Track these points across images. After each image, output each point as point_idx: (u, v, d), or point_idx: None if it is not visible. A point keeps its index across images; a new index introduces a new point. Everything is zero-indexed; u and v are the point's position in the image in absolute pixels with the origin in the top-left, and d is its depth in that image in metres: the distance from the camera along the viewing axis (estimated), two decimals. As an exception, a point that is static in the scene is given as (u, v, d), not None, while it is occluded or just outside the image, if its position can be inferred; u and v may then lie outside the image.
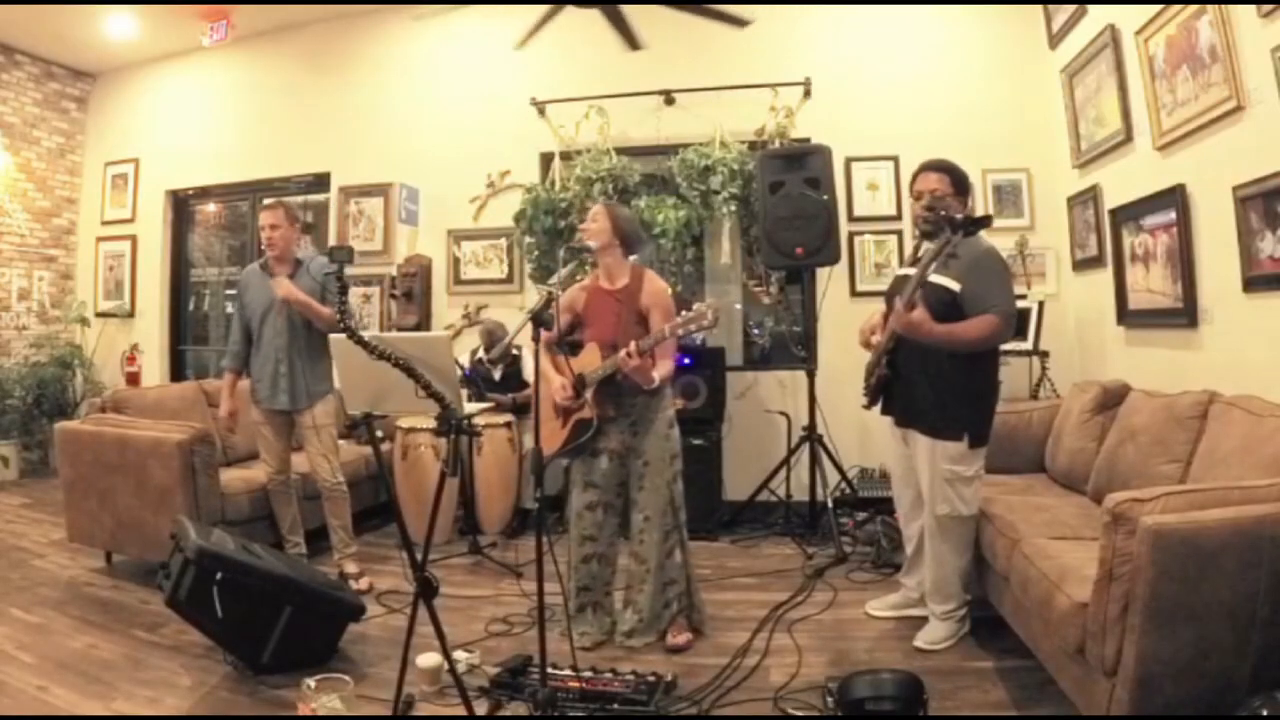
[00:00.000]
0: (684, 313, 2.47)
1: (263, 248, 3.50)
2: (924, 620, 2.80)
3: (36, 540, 4.11)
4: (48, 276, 6.16)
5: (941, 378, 2.62)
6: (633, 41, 3.89)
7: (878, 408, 2.98)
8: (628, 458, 2.79)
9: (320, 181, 5.58)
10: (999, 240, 2.86)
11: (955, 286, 2.54)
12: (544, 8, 3.79)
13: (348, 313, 2.26)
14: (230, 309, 6.42)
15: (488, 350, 4.50)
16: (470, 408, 3.60)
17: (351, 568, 3.51)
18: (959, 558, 2.73)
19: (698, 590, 2.92)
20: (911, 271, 2.70)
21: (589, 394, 2.71)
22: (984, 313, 2.50)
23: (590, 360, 2.76)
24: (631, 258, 2.86)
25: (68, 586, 3.44)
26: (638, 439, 2.76)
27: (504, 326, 4.49)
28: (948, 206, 2.63)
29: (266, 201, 3.72)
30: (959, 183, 2.72)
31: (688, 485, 2.91)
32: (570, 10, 3.76)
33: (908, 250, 4.51)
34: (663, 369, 2.69)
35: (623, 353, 2.56)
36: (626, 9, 3.73)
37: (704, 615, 2.90)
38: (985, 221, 2.44)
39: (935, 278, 2.53)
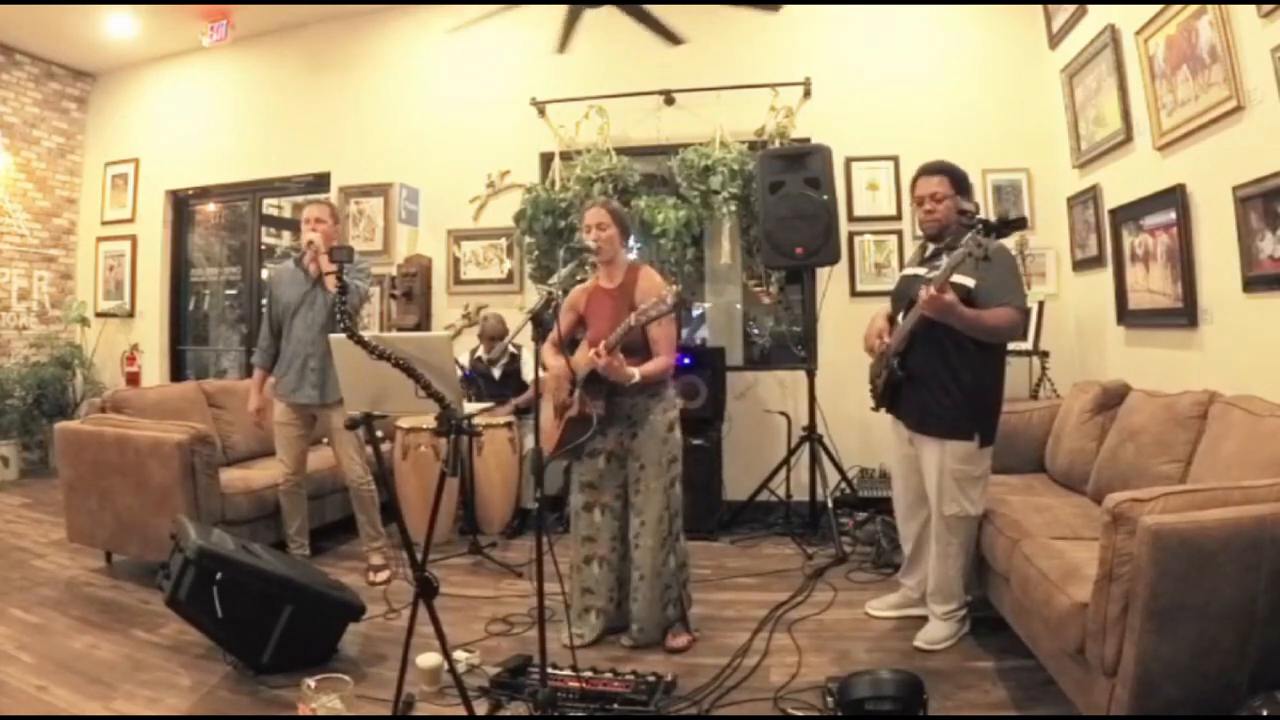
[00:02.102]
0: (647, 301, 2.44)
1: (303, 242, 3.47)
2: (924, 620, 2.80)
3: (36, 540, 4.11)
4: (48, 276, 6.16)
5: (953, 378, 2.62)
6: (671, 37, 3.86)
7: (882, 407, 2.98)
8: (626, 460, 2.77)
9: (320, 181, 5.57)
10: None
11: (970, 283, 2.54)
12: (565, 8, 3.78)
13: (348, 312, 2.26)
14: (229, 307, 6.44)
15: (492, 339, 4.48)
16: (470, 408, 3.60)
17: (377, 559, 3.55)
18: (962, 558, 2.73)
19: (686, 595, 2.85)
20: (920, 271, 2.70)
21: (576, 392, 2.69)
22: (1000, 305, 2.53)
23: (582, 358, 2.76)
24: (631, 254, 2.85)
25: (68, 586, 3.44)
26: (635, 441, 2.74)
27: (504, 322, 4.51)
28: (956, 209, 2.67)
29: (314, 198, 3.77)
30: (959, 182, 2.72)
31: (687, 486, 2.91)
32: (569, 10, 3.76)
33: (908, 250, 4.52)
34: (650, 366, 2.62)
35: (591, 351, 2.57)
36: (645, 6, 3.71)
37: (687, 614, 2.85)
38: (1020, 223, 2.40)
39: (953, 279, 2.52)
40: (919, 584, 2.93)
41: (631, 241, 2.92)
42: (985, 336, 2.55)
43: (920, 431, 2.75)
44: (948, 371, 2.62)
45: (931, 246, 2.79)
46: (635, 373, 2.57)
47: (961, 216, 2.59)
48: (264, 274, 3.61)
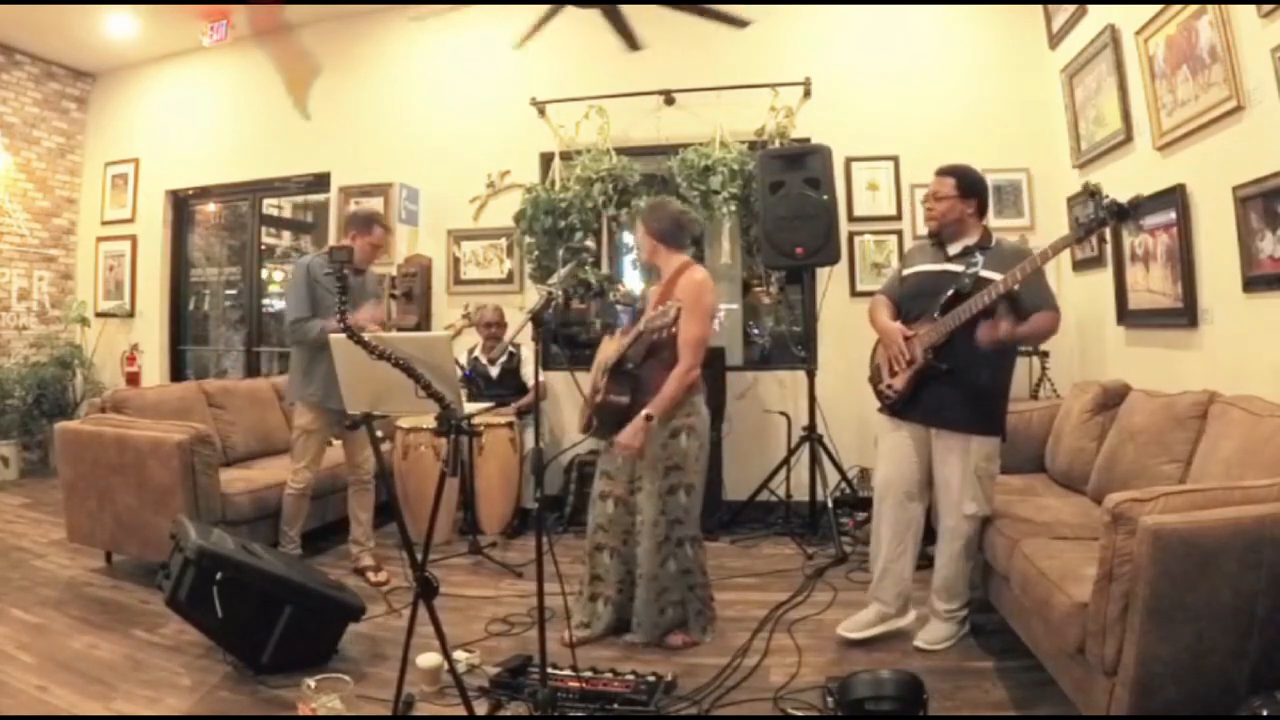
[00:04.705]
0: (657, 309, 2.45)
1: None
2: (907, 631, 2.78)
3: (36, 540, 4.11)
4: (48, 276, 6.16)
5: (991, 375, 2.65)
6: (632, 42, 3.88)
7: (875, 405, 2.97)
8: (636, 457, 2.76)
9: (320, 181, 5.58)
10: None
11: (1015, 287, 2.51)
12: (543, 8, 3.79)
13: (348, 311, 2.26)
14: (229, 308, 6.44)
15: (488, 325, 4.52)
16: (471, 407, 3.60)
17: (368, 560, 3.55)
18: (971, 558, 2.74)
19: (699, 600, 2.82)
20: (956, 268, 2.67)
21: (603, 380, 2.73)
22: (1042, 309, 2.59)
23: (610, 348, 2.80)
24: (685, 252, 2.87)
25: (68, 586, 3.44)
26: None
27: (500, 312, 4.56)
28: (953, 211, 2.72)
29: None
30: (964, 185, 2.73)
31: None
32: (570, 10, 3.76)
33: (907, 249, 4.51)
34: (664, 391, 2.63)
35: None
36: (627, 9, 3.72)
37: (706, 621, 2.84)
38: (1136, 210, 2.39)
39: (986, 273, 2.56)
40: (898, 595, 2.79)
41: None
42: (1033, 343, 2.69)
43: (947, 427, 2.68)
44: (985, 368, 2.62)
45: (956, 245, 2.74)
46: (652, 415, 2.62)
47: (1092, 199, 2.60)
48: (305, 261, 3.53)
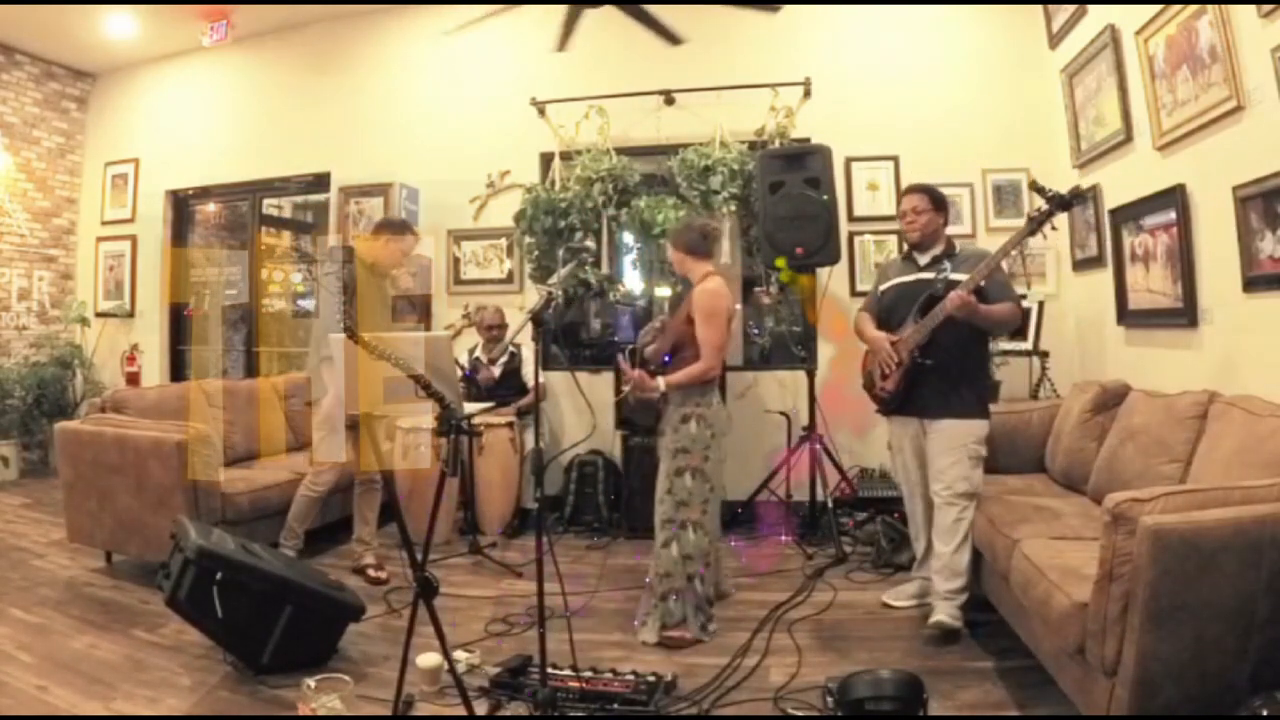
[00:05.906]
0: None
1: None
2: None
3: (36, 540, 4.11)
4: (48, 276, 6.16)
5: (975, 365, 2.91)
6: (670, 36, 3.85)
7: (874, 405, 3.11)
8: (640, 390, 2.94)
9: (320, 181, 5.57)
10: (999, 240, 2.91)
11: (982, 283, 2.73)
12: (565, 7, 3.77)
13: (349, 311, 2.26)
14: (229, 307, 6.43)
15: (489, 328, 4.52)
16: (470, 407, 3.60)
17: (370, 559, 3.55)
18: (968, 538, 2.81)
19: (698, 596, 2.85)
20: (928, 275, 2.92)
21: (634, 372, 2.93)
22: (1006, 301, 2.82)
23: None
24: (711, 261, 3.04)
25: (68, 586, 3.44)
26: (661, 425, 3.00)
27: (502, 313, 4.57)
28: (932, 224, 2.97)
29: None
30: (935, 199, 2.97)
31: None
32: (570, 11, 3.76)
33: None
34: (680, 375, 2.86)
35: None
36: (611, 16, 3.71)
37: (705, 619, 2.86)
38: (1082, 199, 2.56)
39: (955, 276, 2.79)
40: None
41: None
42: (996, 329, 2.94)
43: (942, 416, 2.87)
44: (968, 360, 2.88)
45: (926, 256, 2.98)
46: (661, 384, 2.85)
47: (1039, 194, 2.75)
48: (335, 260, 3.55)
